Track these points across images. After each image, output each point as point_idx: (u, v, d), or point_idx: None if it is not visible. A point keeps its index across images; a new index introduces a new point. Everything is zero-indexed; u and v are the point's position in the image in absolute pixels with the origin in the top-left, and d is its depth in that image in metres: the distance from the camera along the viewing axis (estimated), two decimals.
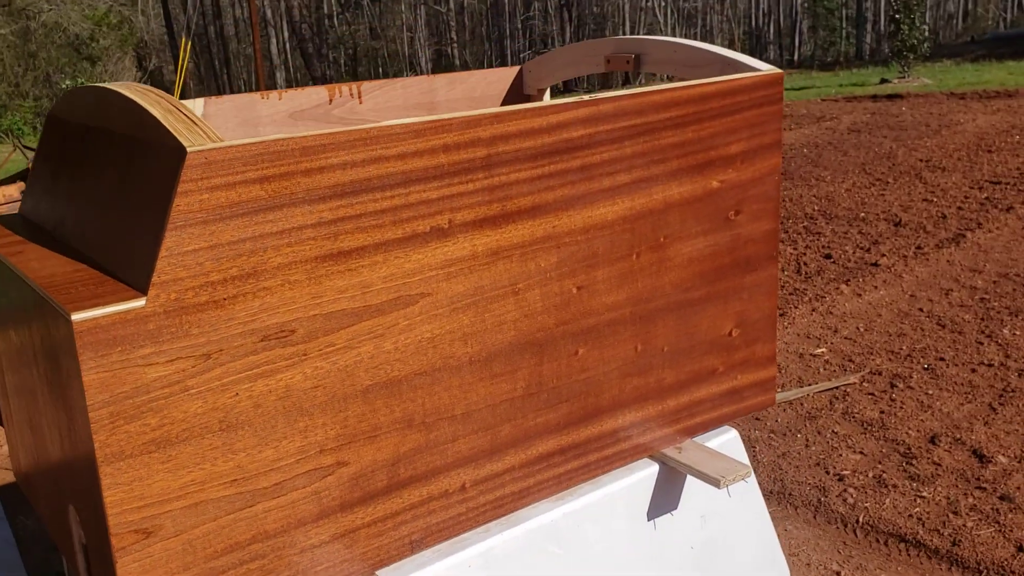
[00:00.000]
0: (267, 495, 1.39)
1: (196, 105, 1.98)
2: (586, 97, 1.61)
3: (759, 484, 3.27)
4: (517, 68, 2.43)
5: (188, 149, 1.23)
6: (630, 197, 1.70)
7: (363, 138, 1.37)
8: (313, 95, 2.14)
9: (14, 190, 11.67)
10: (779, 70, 1.87)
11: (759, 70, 1.87)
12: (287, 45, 42.80)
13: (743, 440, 3.59)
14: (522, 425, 1.65)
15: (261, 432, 1.36)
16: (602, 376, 1.74)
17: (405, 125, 1.40)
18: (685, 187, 1.77)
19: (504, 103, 2.44)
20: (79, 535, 1.49)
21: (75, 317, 1.19)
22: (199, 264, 1.27)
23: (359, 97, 2.20)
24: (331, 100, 2.16)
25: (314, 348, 1.39)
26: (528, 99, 2.45)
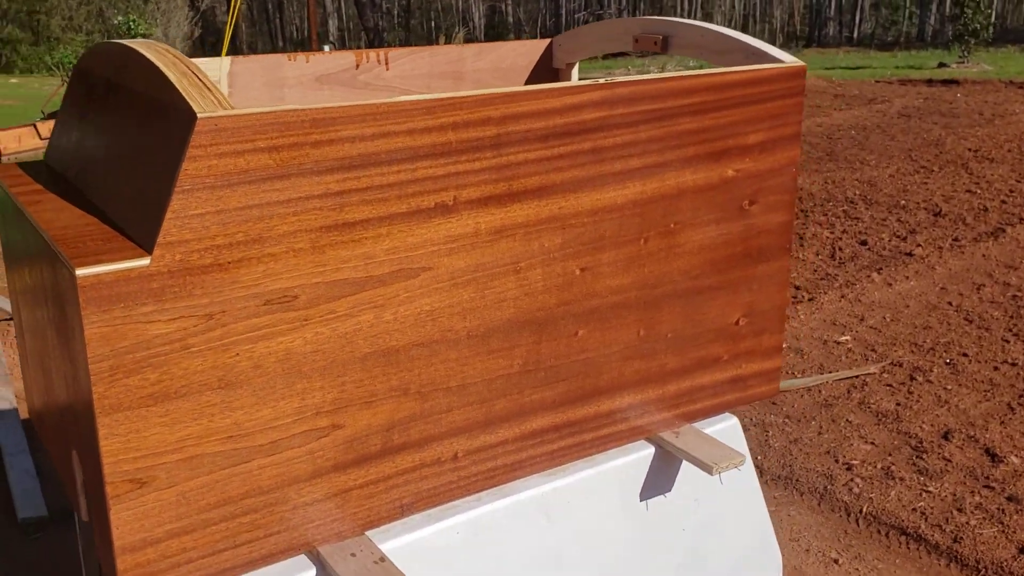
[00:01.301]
0: (262, 452, 1.43)
1: (223, 63, 2.01)
2: (602, 80, 1.61)
3: (768, 469, 3.29)
4: (547, 41, 2.43)
5: (199, 115, 1.26)
6: (642, 182, 1.70)
7: (373, 112, 1.39)
8: (340, 59, 2.16)
9: None
10: (802, 63, 1.86)
11: (782, 62, 1.86)
12: None
13: (759, 424, 3.61)
14: (517, 400, 1.68)
15: (260, 392, 1.41)
16: (602, 358, 1.76)
17: (415, 102, 1.42)
18: (700, 174, 1.78)
19: (531, 76, 2.44)
20: (81, 479, 1.55)
21: (80, 272, 1.23)
22: (205, 228, 1.30)
23: (386, 64, 2.22)
24: (358, 65, 2.18)
25: (315, 314, 1.42)
26: (556, 73, 2.45)
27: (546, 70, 2.46)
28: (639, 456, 1.89)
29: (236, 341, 1.37)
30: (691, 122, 1.72)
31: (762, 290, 1.96)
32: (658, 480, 1.92)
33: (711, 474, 1.81)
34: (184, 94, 1.32)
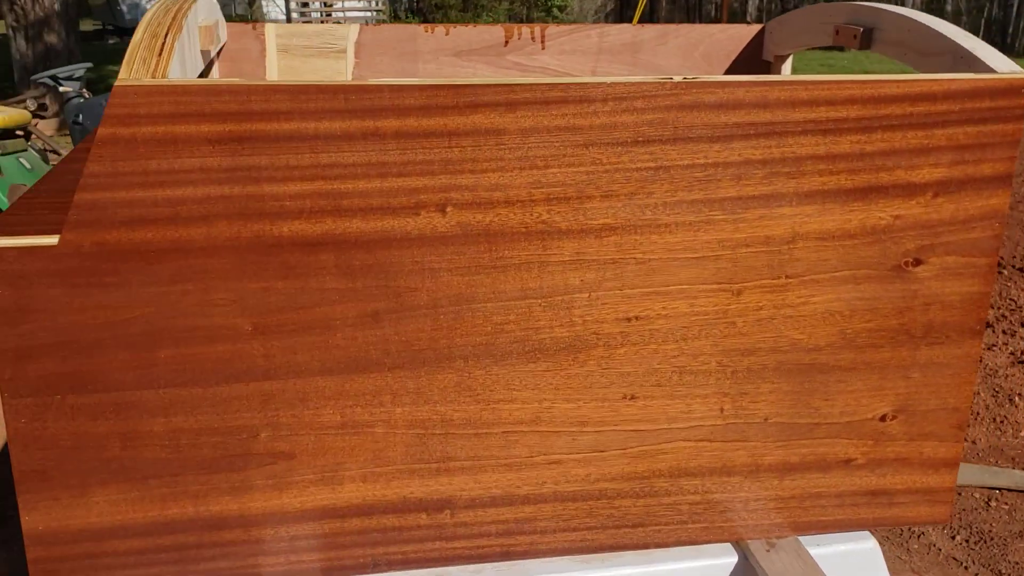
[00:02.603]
0: (197, 466, 1.27)
1: (351, 31, 1.85)
2: (676, 79, 1.22)
3: None
4: (757, 27, 1.99)
5: (116, 83, 1.11)
6: (734, 216, 1.29)
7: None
8: (486, 34, 1.91)
9: None
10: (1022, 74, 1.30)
11: (994, 72, 1.32)
12: None
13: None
14: (533, 463, 1.36)
15: (179, 397, 1.24)
16: (662, 432, 1.38)
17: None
18: (831, 216, 1.31)
19: (734, 68, 2.02)
20: None
21: None
22: (123, 208, 1.15)
23: (542, 42, 1.93)
24: (507, 42, 1.92)
25: (267, 324, 1.23)
26: (767, 67, 2.01)
27: (755, 62, 2.02)
28: (714, 563, 1.47)
29: (156, 340, 1.21)
30: (816, 144, 1.27)
31: (928, 381, 1.43)
32: None
33: None
34: (126, 59, 1.17)
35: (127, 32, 20.58)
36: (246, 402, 1.26)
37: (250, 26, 1.81)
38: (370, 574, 1.39)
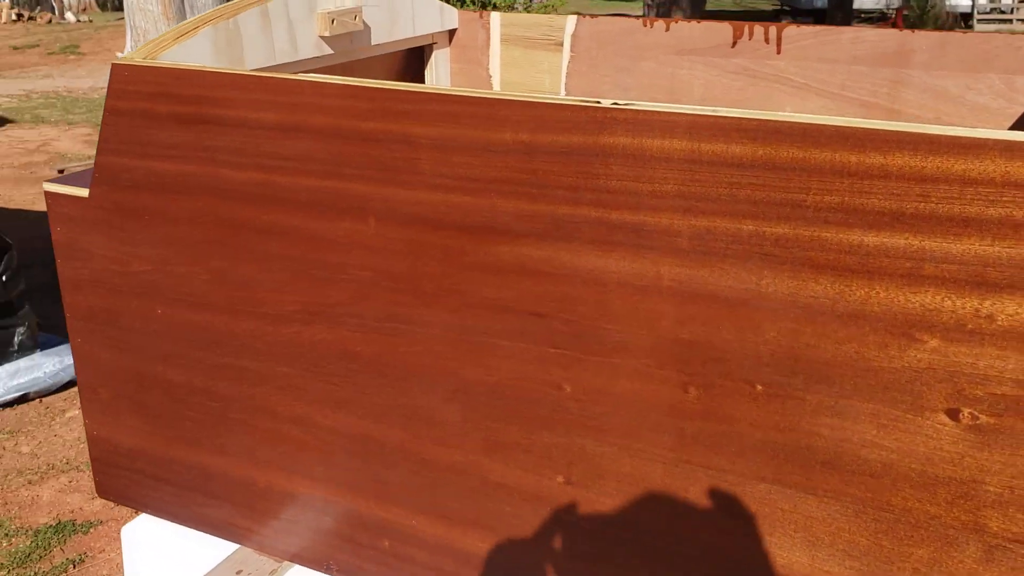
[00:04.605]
0: (201, 396, 1.39)
1: (568, 23, 1.74)
2: (606, 103, 0.96)
3: None
4: None
5: (114, 61, 1.24)
6: (684, 286, 0.97)
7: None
8: (711, 31, 1.63)
9: None
10: None
11: None
12: None
13: None
14: (467, 520, 1.20)
15: (172, 352, 1.35)
16: (604, 532, 1.12)
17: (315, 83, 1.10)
18: (825, 316, 0.92)
19: None
20: None
21: (46, 186, 1.37)
22: (123, 173, 1.29)
23: (777, 44, 1.59)
24: (735, 42, 1.62)
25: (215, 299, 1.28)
26: None
27: None
28: None
29: (154, 296, 1.34)
30: (799, 205, 0.89)
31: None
32: None
33: None
34: (147, 41, 1.29)
35: (802, 13, 20.78)
36: (221, 372, 1.33)
37: (477, 14, 1.80)
38: (325, 573, 1.37)
